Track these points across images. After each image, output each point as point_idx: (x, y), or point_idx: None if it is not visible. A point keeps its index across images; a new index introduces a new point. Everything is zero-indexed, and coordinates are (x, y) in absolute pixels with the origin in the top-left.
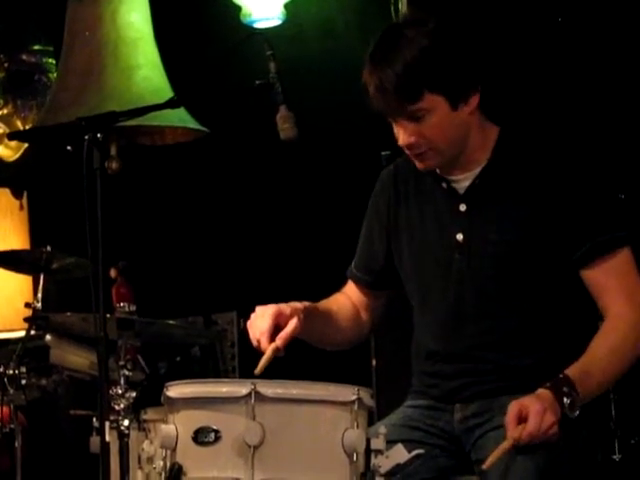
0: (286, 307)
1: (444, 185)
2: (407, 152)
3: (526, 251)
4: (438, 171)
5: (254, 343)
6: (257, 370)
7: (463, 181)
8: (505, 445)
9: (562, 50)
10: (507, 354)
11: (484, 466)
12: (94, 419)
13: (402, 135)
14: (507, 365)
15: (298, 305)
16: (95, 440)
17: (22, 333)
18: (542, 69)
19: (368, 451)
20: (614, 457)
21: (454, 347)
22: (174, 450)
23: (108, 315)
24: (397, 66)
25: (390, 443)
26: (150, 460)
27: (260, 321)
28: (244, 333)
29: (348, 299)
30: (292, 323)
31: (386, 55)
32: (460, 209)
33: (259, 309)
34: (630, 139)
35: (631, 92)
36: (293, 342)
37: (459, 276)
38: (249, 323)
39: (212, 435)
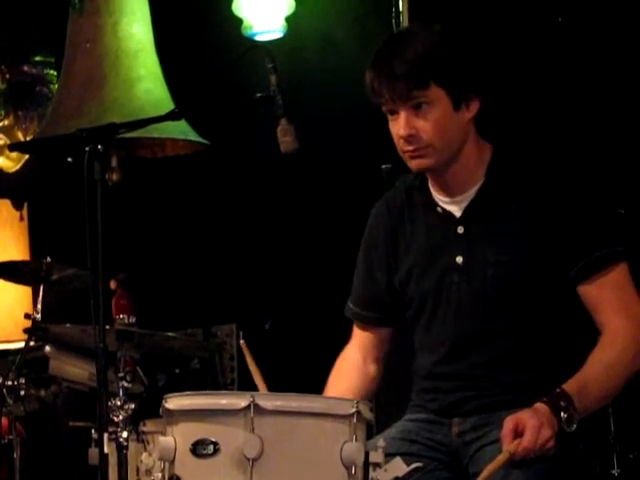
0: None
1: (439, 210)
2: (405, 149)
3: (525, 270)
4: (433, 194)
5: None
6: None
7: (459, 203)
8: (500, 459)
9: (562, 50)
10: (507, 370)
11: None
12: (93, 431)
13: (404, 126)
14: (506, 380)
15: None
16: (94, 452)
17: (21, 344)
18: (541, 72)
19: (367, 464)
20: (613, 472)
21: (455, 367)
22: (172, 462)
23: (107, 327)
24: (408, 55)
25: (389, 456)
26: (149, 472)
27: None
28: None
29: (354, 356)
30: None
31: (397, 47)
32: (458, 232)
33: None
34: (632, 150)
35: (631, 100)
36: (291, 353)
37: (459, 298)
38: None
39: (211, 447)
